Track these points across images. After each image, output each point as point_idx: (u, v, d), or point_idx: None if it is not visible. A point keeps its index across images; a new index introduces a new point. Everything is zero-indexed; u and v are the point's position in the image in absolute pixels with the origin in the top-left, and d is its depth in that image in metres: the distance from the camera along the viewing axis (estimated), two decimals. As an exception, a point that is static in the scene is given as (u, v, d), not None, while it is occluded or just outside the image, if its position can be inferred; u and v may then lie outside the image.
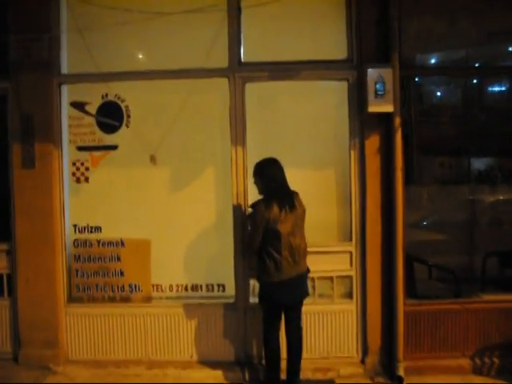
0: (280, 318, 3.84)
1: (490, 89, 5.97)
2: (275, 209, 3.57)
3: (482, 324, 4.34)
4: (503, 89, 6.09)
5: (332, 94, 4.43)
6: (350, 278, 4.34)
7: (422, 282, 4.75)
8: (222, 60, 4.29)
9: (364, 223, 4.25)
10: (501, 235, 5.40)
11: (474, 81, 5.65)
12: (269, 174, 3.68)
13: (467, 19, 4.38)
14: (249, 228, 3.84)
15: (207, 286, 4.43)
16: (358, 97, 4.21)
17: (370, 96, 3.98)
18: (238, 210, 4.27)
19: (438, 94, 5.85)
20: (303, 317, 4.01)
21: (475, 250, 5.51)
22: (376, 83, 3.97)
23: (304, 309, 3.93)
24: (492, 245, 5.20)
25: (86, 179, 4.44)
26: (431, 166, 5.68)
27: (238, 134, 4.26)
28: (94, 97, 4.40)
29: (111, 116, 4.39)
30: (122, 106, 4.39)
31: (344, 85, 4.30)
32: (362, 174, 4.23)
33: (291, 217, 3.62)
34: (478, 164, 5.76)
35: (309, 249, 3.85)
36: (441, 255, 5.17)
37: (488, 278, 4.95)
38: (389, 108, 4.00)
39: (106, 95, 4.39)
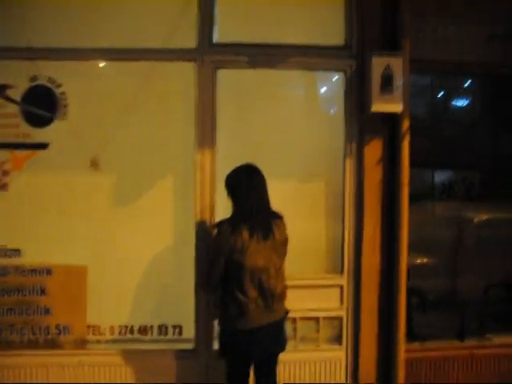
0: (248, 375, 2.90)
1: (455, 103, 5.70)
2: (244, 234, 2.66)
3: (497, 374, 3.60)
4: (466, 103, 5.88)
5: (325, 89, 3.61)
6: (339, 318, 3.48)
7: (416, 315, 3.98)
8: (188, 39, 3.35)
9: (359, 250, 3.42)
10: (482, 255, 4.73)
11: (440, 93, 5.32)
12: (243, 186, 2.73)
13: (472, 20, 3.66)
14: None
15: (160, 327, 3.44)
16: (357, 93, 3.38)
17: (375, 92, 3.17)
18: (201, 229, 3.35)
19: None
20: (280, 367, 3.12)
21: (458, 272, 4.80)
22: (383, 76, 3.16)
23: (282, 357, 2.99)
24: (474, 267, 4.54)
25: (4, 186, 3.37)
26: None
27: (206, 133, 3.35)
28: (18, 79, 3.36)
29: (42, 105, 3.37)
30: (57, 92, 3.38)
31: (340, 77, 3.47)
32: (360, 189, 3.40)
33: (265, 247, 2.71)
34: (442, 178, 5.33)
35: (290, 282, 2.97)
36: (422, 279, 4.47)
37: (490, 313, 4.23)
38: (397, 107, 3.20)
39: (36, 78, 3.37)
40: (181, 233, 3.46)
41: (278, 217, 2.83)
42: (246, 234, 2.65)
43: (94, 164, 3.41)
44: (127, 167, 3.45)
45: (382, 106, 3.18)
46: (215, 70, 3.35)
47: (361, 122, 3.38)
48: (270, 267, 2.71)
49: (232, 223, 2.69)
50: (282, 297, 2.82)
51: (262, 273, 2.69)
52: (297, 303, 3.26)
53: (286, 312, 2.88)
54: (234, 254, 2.64)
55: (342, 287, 3.46)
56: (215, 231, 2.80)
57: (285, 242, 2.83)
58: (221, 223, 2.76)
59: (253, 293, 2.68)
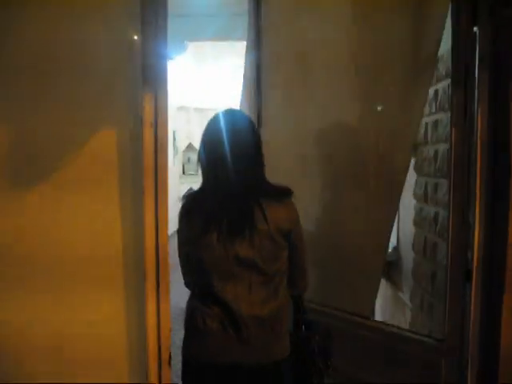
0: None
1: None
2: (197, 219, 1.61)
3: None
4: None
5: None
6: None
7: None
8: None
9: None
10: None
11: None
12: (212, 141, 1.63)
13: None
14: None
15: None
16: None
17: None
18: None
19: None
20: None
21: None
22: None
23: None
24: None
25: None
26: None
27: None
28: None
29: None
30: None
31: None
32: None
33: (237, 242, 1.58)
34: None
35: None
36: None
37: None
38: None
39: None
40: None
41: (279, 195, 1.65)
42: (197, 219, 1.62)
43: None
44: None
45: None
46: None
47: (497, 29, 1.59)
48: (238, 274, 1.60)
49: (192, 199, 1.70)
50: (272, 326, 1.62)
51: (231, 280, 1.60)
52: None
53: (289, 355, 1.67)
54: (187, 243, 1.67)
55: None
56: None
57: (283, 233, 1.62)
58: (187, 195, 1.73)
59: (214, 308, 1.61)
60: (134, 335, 1.64)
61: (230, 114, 1.65)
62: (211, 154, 1.62)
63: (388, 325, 2.16)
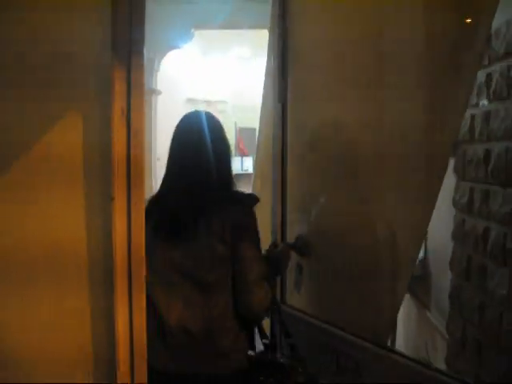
0: None
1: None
2: (151, 222, 1.40)
3: None
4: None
5: None
6: None
7: None
8: None
9: None
10: None
11: None
12: (177, 138, 1.61)
13: None
14: None
15: None
16: None
17: None
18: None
19: None
20: None
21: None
22: None
23: None
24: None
25: None
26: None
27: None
28: None
29: None
30: None
31: None
32: None
33: (174, 250, 1.53)
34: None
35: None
36: None
37: None
38: None
39: None
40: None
41: (236, 201, 1.57)
42: (151, 220, 1.43)
43: None
44: None
45: None
46: None
47: None
48: (174, 282, 1.53)
49: (153, 199, 1.62)
50: (205, 340, 1.50)
51: (162, 289, 1.53)
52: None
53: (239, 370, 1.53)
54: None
55: None
56: None
57: (225, 240, 1.49)
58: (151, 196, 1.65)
59: (151, 312, 1.37)
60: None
61: (201, 115, 1.61)
62: (179, 157, 1.58)
63: (424, 365, 1.71)
